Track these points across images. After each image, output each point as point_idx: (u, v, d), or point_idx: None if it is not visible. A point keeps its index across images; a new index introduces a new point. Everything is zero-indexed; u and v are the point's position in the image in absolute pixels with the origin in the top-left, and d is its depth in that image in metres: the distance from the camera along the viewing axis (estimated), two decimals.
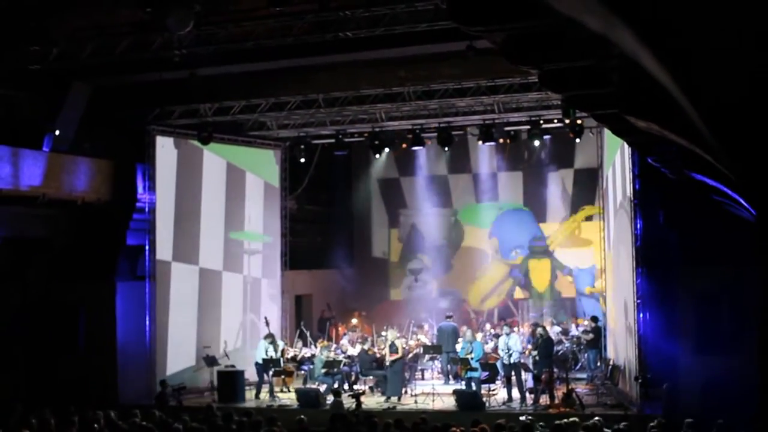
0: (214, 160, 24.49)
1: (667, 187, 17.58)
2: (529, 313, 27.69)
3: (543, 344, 20.63)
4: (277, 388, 22.12)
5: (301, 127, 25.16)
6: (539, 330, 21.31)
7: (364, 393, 20.54)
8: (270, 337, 22.48)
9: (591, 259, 27.50)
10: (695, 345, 18.70)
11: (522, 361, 20.78)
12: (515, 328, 23.27)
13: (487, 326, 25.54)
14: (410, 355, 22.83)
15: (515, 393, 20.48)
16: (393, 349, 21.56)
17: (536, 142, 23.83)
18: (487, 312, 28.58)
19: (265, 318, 23.80)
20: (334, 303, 28.63)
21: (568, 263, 28.49)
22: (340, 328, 26.51)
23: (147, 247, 22.84)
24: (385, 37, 17.46)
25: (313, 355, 22.84)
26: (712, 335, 18.52)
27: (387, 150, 25.72)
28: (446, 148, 24.29)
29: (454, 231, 29.99)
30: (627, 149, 19.35)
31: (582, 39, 7.20)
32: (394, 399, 20.95)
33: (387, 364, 21.54)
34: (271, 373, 21.99)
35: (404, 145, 25.54)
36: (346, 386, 21.71)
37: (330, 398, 20.50)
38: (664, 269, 19.67)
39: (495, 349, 21.99)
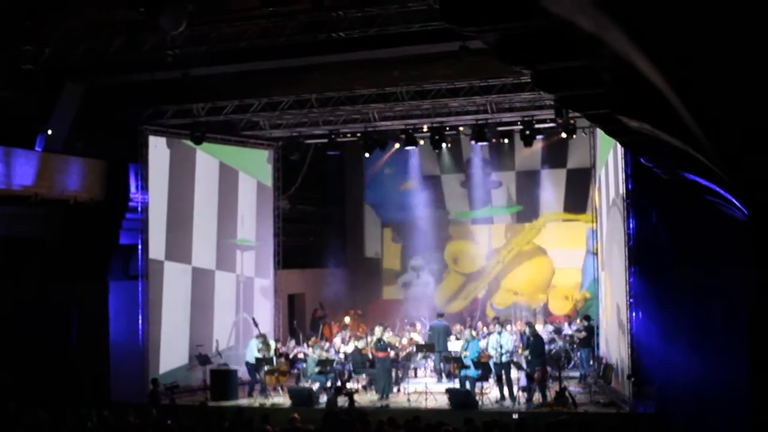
0: (206, 159, 24.48)
1: (659, 186, 17.59)
2: (522, 312, 27.73)
3: (534, 344, 20.65)
4: (270, 387, 22.12)
5: (294, 127, 25.17)
6: (528, 330, 21.34)
7: (357, 391, 20.58)
8: (261, 336, 22.51)
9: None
10: (688, 344, 18.74)
11: (515, 359, 20.83)
12: (507, 327, 23.26)
13: (479, 324, 25.59)
14: (403, 354, 22.88)
15: (507, 391, 20.51)
16: (380, 347, 21.59)
17: (528, 143, 23.76)
18: (480, 311, 28.61)
19: (253, 319, 23.82)
20: (326, 302, 28.62)
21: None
22: (333, 327, 26.51)
23: (140, 247, 22.83)
24: (378, 38, 17.51)
25: (306, 354, 22.85)
26: (705, 334, 18.57)
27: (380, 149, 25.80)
28: (438, 149, 24.36)
29: (445, 230, 30.05)
30: (620, 149, 19.40)
31: (575, 39, 7.22)
32: (386, 397, 20.99)
33: (376, 362, 21.62)
34: (263, 371, 22.01)
35: (397, 145, 25.57)
36: (339, 385, 21.72)
37: (323, 397, 20.55)
38: (656, 269, 19.72)
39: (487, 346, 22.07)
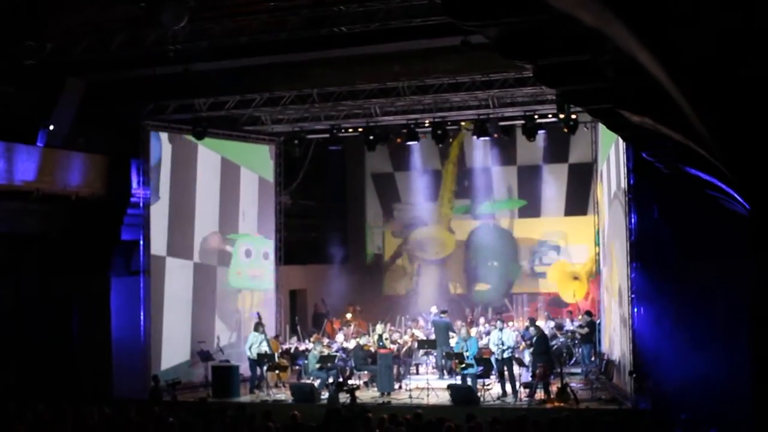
0: (208, 155, 24.46)
1: (661, 181, 17.55)
2: (524, 308, 27.71)
3: (537, 342, 20.65)
4: (271, 383, 22.12)
5: (295, 122, 25.13)
6: (532, 329, 21.31)
7: (358, 388, 20.55)
8: (260, 326, 22.49)
9: None
10: (689, 339, 18.71)
11: (516, 355, 20.82)
12: (508, 323, 23.29)
13: (481, 321, 25.57)
14: (404, 350, 22.86)
15: (509, 388, 20.51)
16: (380, 344, 21.58)
17: (530, 137, 23.73)
18: (481, 306, 28.57)
19: (258, 313, 23.81)
20: (328, 298, 28.60)
21: None
22: (334, 323, 26.50)
23: (141, 242, 22.82)
24: (379, 32, 17.47)
25: (308, 350, 22.84)
26: (706, 329, 18.53)
27: (381, 145, 25.77)
28: (440, 144, 24.35)
29: (447, 225, 30.06)
30: (621, 144, 19.35)
31: (576, 34, 7.21)
32: (387, 393, 20.98)
33: (377, 358, 21.60)
34: (265, 368, 22.01)
35: (399, 140, 25.53)
36: (340, 381, 21.70)
37: (324, 393, 20.53)
38: (658, 264, 19.67)
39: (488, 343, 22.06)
